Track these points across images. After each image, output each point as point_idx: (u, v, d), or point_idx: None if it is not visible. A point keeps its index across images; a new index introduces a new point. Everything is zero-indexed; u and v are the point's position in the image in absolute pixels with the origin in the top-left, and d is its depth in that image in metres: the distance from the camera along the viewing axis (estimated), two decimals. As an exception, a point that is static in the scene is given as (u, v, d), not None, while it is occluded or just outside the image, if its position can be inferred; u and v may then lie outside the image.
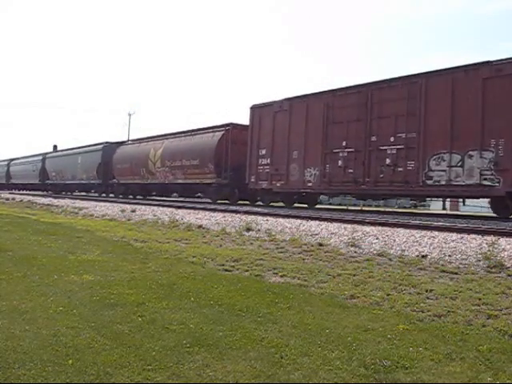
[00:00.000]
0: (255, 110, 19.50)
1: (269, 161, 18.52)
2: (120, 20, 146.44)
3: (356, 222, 11.37)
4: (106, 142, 31.78)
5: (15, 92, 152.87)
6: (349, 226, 10.53)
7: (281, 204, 21.66)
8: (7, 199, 28.20)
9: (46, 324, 3.60)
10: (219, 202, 23.95)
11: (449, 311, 4.25)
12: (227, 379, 2.72)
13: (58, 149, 46.71)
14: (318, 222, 11.41)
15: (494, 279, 5.70)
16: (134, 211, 16.16)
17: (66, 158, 37.04)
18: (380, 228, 9.94)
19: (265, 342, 3.33)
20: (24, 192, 41.94)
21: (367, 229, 9.84)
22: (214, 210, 15.94)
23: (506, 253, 7.05)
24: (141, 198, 28.56)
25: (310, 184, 16.93)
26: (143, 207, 18.26)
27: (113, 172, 30.18)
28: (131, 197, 29.31)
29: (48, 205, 21.95)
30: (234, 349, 3.20)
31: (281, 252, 7.77)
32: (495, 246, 7.16)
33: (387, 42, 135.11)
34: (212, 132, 22.01)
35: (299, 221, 11.86)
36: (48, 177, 39.73)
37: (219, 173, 20.91)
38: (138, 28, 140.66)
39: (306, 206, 19.39)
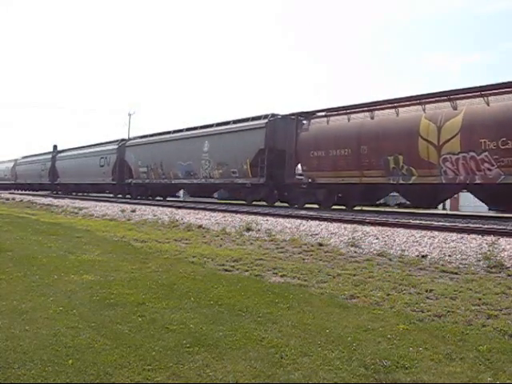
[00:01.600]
0: None
1: None
2: (120, 20, 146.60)
3: (356, 221, 11.37)
4: (272, 115, 19.16)
5: (15, 92, 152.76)
6: (349, 226, 10.53)
7: (281, 204, 19.95)
8: (7, 199, 28.21)
9: (46, 324, 3.60)
10: (219, 201, 22.88)
11: (449, 311, 4.25)
12: (227, 379, 2.72)
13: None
14: (317, 222, 11.42)
15: (494, 279, 5.70)
16: (134, 211, 16.16)
17: (170, 144, 24.53)
18: (380, 228, 9.95)
19: (265, 342, 3.33)
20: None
21: (367, 229, 9.85)
22: (214, 210, 15.95)
23: (506, 253, 7.05)
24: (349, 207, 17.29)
25: None
26: (143, 207, 18.26)
27: (298, 164, 18.08)
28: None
29: (48, 205, 21.96)
30: (234, 349, 3.20)
31: (281, 252, 7.77)
32: (495, 245, 7.17)
33: (387, 42, 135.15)
34: None
35: (299, 221, 11.86)
36: (132, 174, 28.21)
37: None
38: (138, 28, 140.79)
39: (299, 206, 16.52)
